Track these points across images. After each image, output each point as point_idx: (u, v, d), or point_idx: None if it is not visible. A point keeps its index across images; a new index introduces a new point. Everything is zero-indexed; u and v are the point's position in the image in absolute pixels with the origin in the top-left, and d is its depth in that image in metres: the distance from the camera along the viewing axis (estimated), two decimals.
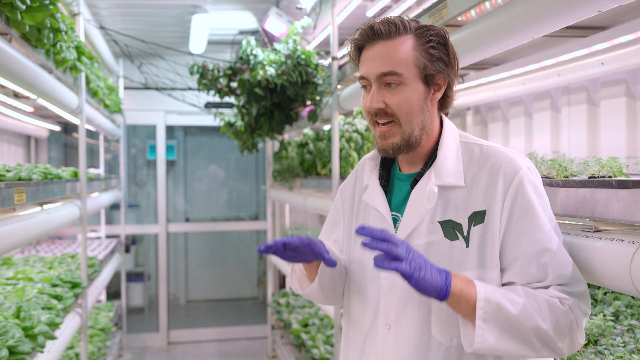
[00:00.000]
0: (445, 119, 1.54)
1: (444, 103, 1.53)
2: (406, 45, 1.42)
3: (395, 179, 1.57)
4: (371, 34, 1.44)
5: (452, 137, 1.51)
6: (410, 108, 1.43)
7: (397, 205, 1.53)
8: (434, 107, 1.50)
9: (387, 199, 1.54)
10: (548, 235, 1.37)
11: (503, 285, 1.41)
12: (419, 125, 1.45)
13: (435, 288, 1.28)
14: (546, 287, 1.35)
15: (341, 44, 5.01)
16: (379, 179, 1.57)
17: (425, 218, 1.45)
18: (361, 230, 1.28)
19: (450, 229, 1.43)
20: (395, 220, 1.51)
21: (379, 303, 1.49)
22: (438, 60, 1.44)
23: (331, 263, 1.46)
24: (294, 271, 1.71)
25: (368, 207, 1.58)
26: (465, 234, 1.42)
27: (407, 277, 1.26)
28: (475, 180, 1.44)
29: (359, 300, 1.57)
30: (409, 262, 1.26)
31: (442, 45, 1.45)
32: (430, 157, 1.50)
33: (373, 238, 1.27)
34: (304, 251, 1.47)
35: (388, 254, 1.26)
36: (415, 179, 1.50)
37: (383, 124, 1.46)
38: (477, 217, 1.41)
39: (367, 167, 1.62)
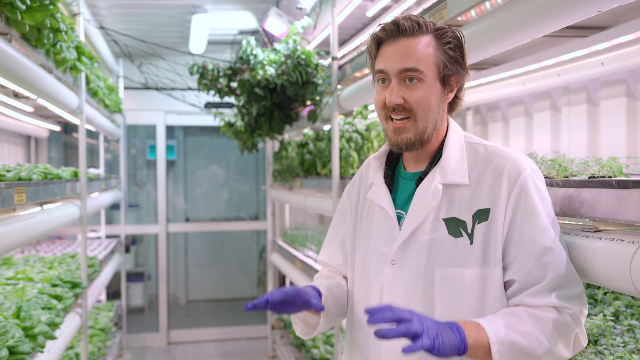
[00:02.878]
0: (451, 120, 1.57)
1: (452, 105, 1.56)
2: (427, 44, 1.45)
3: (400, 178, 1.59)
4: (395, 30, 1.46)
5: (457, 137, 1.53)
6: (428, 105, 1.45)
7: (401, 203, 1.55)
8: (445, 108, 1.53)
9: (391, 197, 1.55)
10: (550, 235, 1.39)
11: (504, 283, 1.42)
12: (433, 124, 1.48)
13: (455, 348, 1.27)
14: (545, 291, 1.36)
15: (341, 44, 5.02)
16: (384, 177, 1.59)
17: (430, 215, 1.46)
18: (372, 318, 1.25)
19: (455, 226, 1.44)
20: (399, 218, 1.53)
21: (382, 299, 1.51)
22: (455, 62, 1.47)
23: (319, 308, 1.44)
24: (296, 322, 1.68)
25: (373, 204, 1.59)
26: (469, 231, 1.43)
27: (430, 349, 1.24)
28: (479, 179, 1.46)
29: (363, 298, 1.58)
30: (428, 334, 1.25)
31: (458, 48, 1.48)
32: (436, 156, 1.52)
33: (385, 321, 1.25)
34: (293, 302, 1.44)
35: (406, 334, 1.23)
36: (420, 177, 1.52)
37: (398, 120, 1.47)
38: (482, 215, 1.43)
39: (373, 166, 1.64)
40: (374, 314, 1.25)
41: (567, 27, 2.15)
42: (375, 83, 1.53)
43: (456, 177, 1.47)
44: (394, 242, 1.50)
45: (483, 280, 1.41)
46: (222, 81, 4.43)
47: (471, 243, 1.42)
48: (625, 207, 1.35)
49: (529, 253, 1.38)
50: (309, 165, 4.34)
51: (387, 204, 1.54)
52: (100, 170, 6.28)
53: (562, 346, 1.37)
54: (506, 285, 1.43)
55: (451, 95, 1.51)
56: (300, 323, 1.65)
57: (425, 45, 1.45)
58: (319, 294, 1.55)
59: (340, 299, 1.63)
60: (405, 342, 1.43)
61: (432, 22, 1.50)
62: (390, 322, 1.25)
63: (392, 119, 1.48)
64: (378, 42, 1.51)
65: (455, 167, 1.48)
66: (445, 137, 1.53)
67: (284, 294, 1.42)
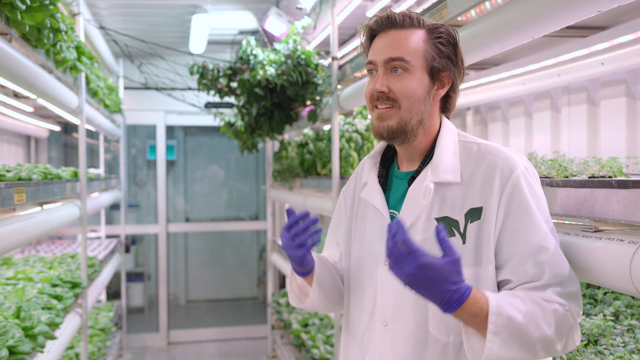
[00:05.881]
0: (445, 119, 1.56)
1: (446, 104, 1.55)
2: (417, 37, 1.46)
3: (394, 177, 1.59)
4: (387, 22, 1.48)
5: (450, 135, 1.52)
6: (413, 95, 1.45)
7: (394, 202, 1.54)
8: (435, 104, 1.52)
9: (385, 197, 1.55)
10: (544, 234, 1.37)
11: (498, 282, 1.41)
12: (418, 116, 1.47)
13: (445, 293, 1.26)
14: (543, 288, 1.35)
15: (341, 44, 5.02)
16: (378, 177, 1.59)
17: (422, 215, 1.46)
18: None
19: (447, 225, 1.43)
20: (392, 218, 1.52)
21: (376, 300, 1.50)
22: (446, 57, 1.47)
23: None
24: (292, 287, 1.69)
25: (366, 204, 1.59)
26: (461, 230, 1.42)
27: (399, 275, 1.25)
28: (472, 178, 1.45)
29: (357, 298, 1.58)
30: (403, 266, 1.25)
31: (451, 45, 1.49)
32: (428, 155, 1.52)
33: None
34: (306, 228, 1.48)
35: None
36: (413, 177, 1.51)
37: (382, 108, 1.47)
38: (474, 214, 1.42)
39: (367, 166, 1.63)
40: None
41: (567, 27, 2.15)
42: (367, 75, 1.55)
43: (448, 176, 1.46)
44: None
45: (476, 280, 1.40)
46: (222, 81, 4.43)
47: (464, 242, 1.41)
48: (625, 207, 1.35)
49: (524, 252, 1.37)
50: (309, 165, 4.34)
51: (380, 204, 1.53)
52: (100, 170, 6.28)
53: (557, 339, 1.33)
54: (500, 284, 1.41)
55: (442, 92, 1.50)
56: (294, 293, 1.68)
57: (415, 37, 1.46)
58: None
59: (333, 272, 1.64)
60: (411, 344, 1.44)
61: (427, 21, 1.51)
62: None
63: (377, 108, 1.49)
64: (371, 35, 1.52)
65: (447, 166, 1.47)
66: (437, 135, 1.53)
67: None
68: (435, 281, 1.22)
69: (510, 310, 1.28)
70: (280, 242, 5.67)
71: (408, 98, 1.45)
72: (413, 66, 1.45)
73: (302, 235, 1.46)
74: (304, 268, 1.52)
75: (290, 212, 1.47)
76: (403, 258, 1.22)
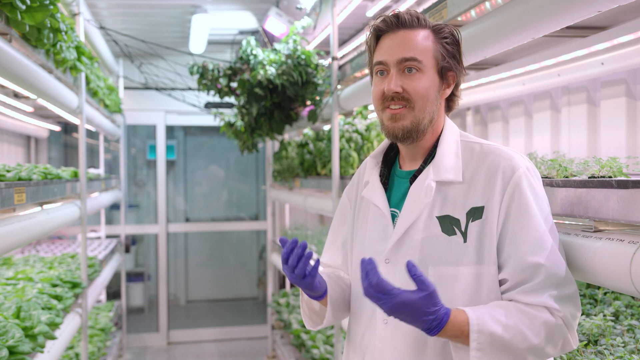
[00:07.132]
0: (447, 119, 1.57)
1: (449, 103, 1.57)
2: (426, 37, 1.48)
3: (396, 177, 1.59)
4: (395, 22, 1.49)
5: (452, 135, 1.53)
6: (427, 95, 1.47)
7: (396, 201, 1.55)
8: (442, 103, 1.54)
9: (386, 196, 1.56)
10: (542, 235, 1.38)
11: (499, 281, 1.42)
12: (430, 115, 1.49)
13: (423, 321, 1.31)
14: (539, 291, 1.36)
15: (341, 44, 5.02)
16: (380, 175, 1.59)
17: (423, 213, 1.46)
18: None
19: (448, 224, 1.44)
20: (393, 217, 1.53)
21: None
22: (452, 57, 1.50)
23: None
24: (304, 311, 1.69)
25: (368, 203, 1.60)
26: (463, 229, 1.43)
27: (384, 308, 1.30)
28: (474, 177, 1.46)
29: (358, 297, 1.58)
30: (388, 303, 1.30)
31: (455, 45, 1.51)
32: (431, 154, 1.53)
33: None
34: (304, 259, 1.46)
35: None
36: (415, 175, 1.52)
37: (395, 107, 1.48)
38: (476, 213, 1.42)
39: (369, 165, 1.64)
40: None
41: (567, 27, 2.15)
42: (374, 76, 1.54)
43: (450, 175, 1.47)
44: (387, 241, 1.50)
45: (477, 279, 1.41)
46: (222, 81, 4.43)
47: (465, 241, 1.42)
48: (625, 207, 1.35)
49: (521, 252, 1.37)
50: (309, 165, 4.34)
51: (381, 202, 1.54)
52: (100, 170, 6.28)
53: (549, 347, 1.36)
54: (500, 283, 1.42)
55: (448, 91, 1.52)
56: (308, 310, 1.66)
57: (424, 37, 1.47)
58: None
59: (344, 288, 1.63)
60: (407, 341, 1.45)
61: (430, 21, 1.52)
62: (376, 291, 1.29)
63: (389, 107, 1.49)
64: (378, 34, 1.52)
65: (449, 165, 1.48)
66: (440, 135, 1.54)
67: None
68: (414, 314, 1.29)
69: (493, 326, 1.32)
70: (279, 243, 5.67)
71: (422, 98, 1.46)
72: (426, 66, 1.46)
73: (299, 265, 1.43)
74: (316, 292, 1.52)
75: (282, 242, 1.44)
76: (381, 298, 1.29)
